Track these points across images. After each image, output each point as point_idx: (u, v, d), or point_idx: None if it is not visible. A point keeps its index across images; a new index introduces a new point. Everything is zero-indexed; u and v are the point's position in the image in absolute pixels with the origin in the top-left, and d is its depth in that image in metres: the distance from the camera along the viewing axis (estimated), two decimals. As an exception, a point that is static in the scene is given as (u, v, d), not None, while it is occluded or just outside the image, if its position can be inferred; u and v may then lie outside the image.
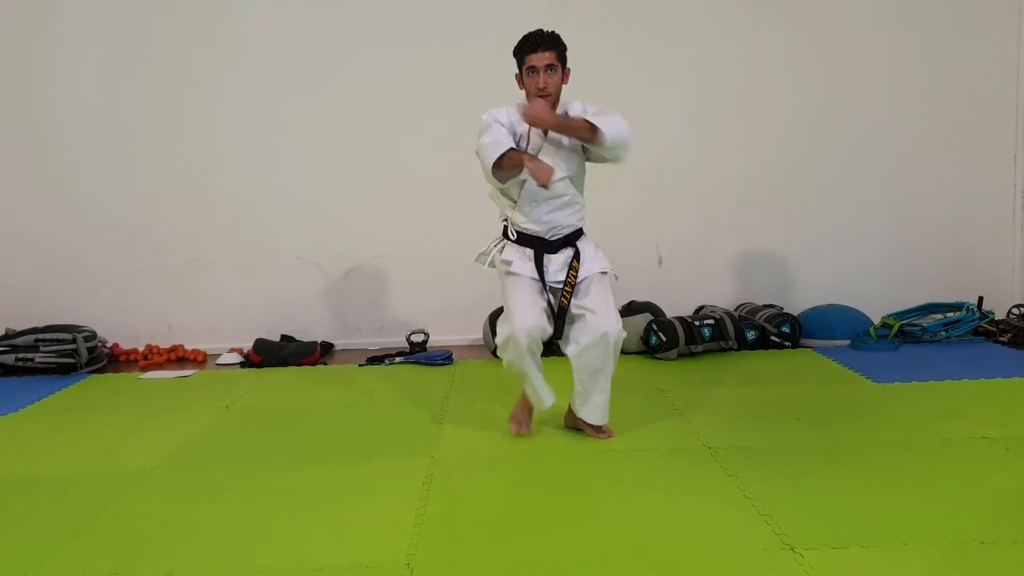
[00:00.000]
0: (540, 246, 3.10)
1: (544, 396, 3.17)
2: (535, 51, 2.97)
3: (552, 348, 3.24)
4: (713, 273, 5.23)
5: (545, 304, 3.07)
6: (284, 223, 5.12)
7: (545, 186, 2.89)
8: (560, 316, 3.08)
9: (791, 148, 5.18)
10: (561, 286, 3.08)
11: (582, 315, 3.07)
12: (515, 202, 3.10)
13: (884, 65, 5.13)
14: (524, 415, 3.28)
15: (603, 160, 3.10)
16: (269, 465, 3.05)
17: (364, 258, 5.16)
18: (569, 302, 3.07)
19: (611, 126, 2.95)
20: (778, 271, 5.24)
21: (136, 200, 5.07)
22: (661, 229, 5.20)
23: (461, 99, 4.63)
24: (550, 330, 3.06)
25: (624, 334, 3.14)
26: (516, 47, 3.04)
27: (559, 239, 3.11)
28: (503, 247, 3.16)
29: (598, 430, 3.20)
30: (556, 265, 3.10)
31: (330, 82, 5.03)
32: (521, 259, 3.10)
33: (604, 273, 3.14)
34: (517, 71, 3.08)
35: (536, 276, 3.07)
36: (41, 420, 3.77)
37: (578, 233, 3.17)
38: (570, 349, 3.12)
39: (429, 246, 5.08)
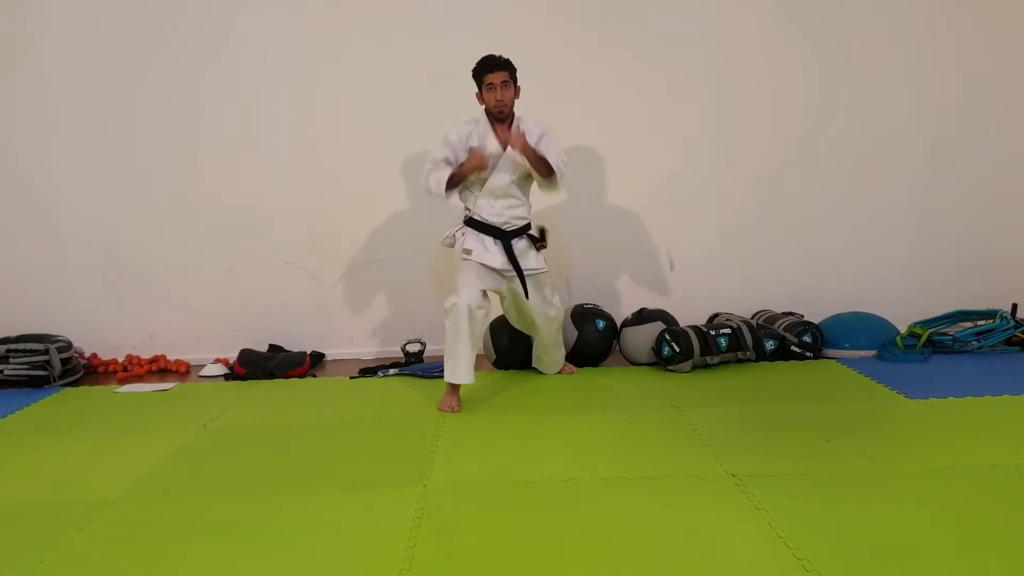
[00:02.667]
0: (498, 235, 3.72)
1: (460, 370, 3.59)
2: (492, 71, 3.59)
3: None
4: (728, 278, 4.92)
5: (492, 285, 3.70)
6: (273, 227, 4.83)
7: (483, 167, 3.61)
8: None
9: (810, 147, 4.87)
10: (534, 270, 3.78)
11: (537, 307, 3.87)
12: (476, 197, 3.73)
13: (908, 61, 4.81)
14: (453, 400, 3.67)
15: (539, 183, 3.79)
16: (244, 496, 2.74)
17: (357, 263, 4.86)
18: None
19: (561, 174, 3.67)
20: (797, 276, 4.93)
21: (115, 202, 4.77)
22: (672, 232, 4.90)
23: (458, 100, 4.43)
24: (486, 307, 3.66)
25: (562, 312, 4.06)
26: (474, 69, 3.63)
27: (513, 230, 3.75)
28: (464, 234, 3.75)
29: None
30: (519, 250, 3.75)
31: (322, 80, 4.73)
32: (478, 247, 3.69)
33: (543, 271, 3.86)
34: (477, 90, 3.66)
35: (489, 263, 3.67)
36: (1, 440, 3.47)
37: (527, 227, 3.82)
38: (539, 325, 3.96)
39: (425, 250, 4.79)
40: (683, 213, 4.89)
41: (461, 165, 3.68)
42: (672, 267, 4.91)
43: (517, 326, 4.12)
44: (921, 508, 2.46)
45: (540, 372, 4.25)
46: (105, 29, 4.66)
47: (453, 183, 3.69)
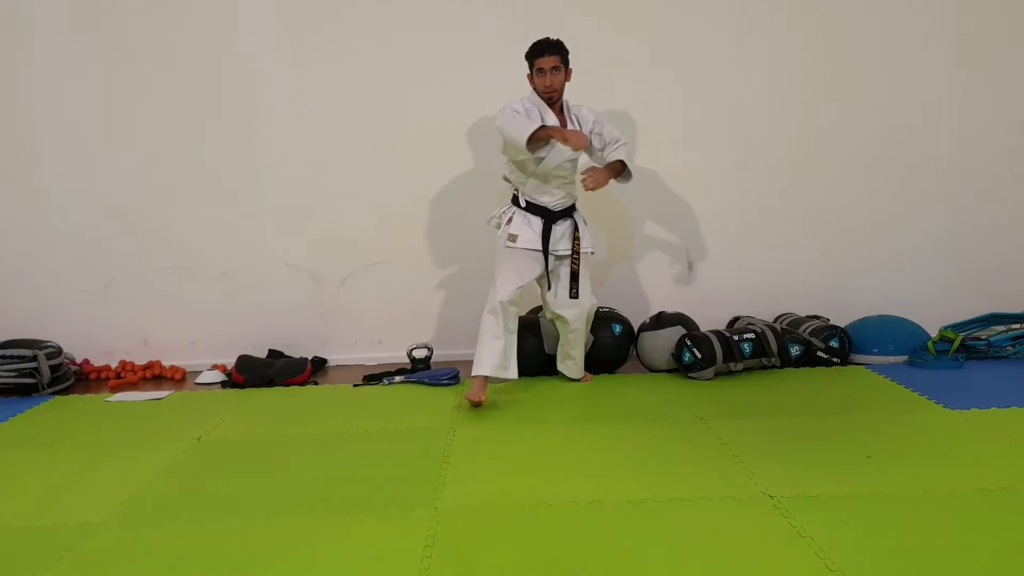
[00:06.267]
0: (546, 216, 3.70)
1: (486, 360, 3.61)
2: (542, 55, 3.57)
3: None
4: (748, 280, 4.69)
5: (531, 276, 3.71)
6: (273, 226, 4.60)
7: (579, 148, 3.49)
8: (574, 279, 3.75)
9: (836, 144, 4.63)
10: (563, 253, 3.75)
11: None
12: (527, 177, 3.68)
13: (939, 56, 4.58)
14: (480, 391, 3.60)
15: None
16: (238, 520, 2.53)
17: (361, 264, 4.64)
18: (579, 267, 3.74)
19: (631, 163, 3.75)
20: (819, 278, 4.70)
21: (108, 202, 4.55)
22: (691, 232, 4.67)
23: (463, 96, 4.42)
24: (519, 305, 3.70)
25: (596, 305, 3.94)
26: (527, 52, 3.60)
27: (561, 210, 3.74)
28: (511, 217, 3.73)
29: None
30: (557, 235, 3.73)
31: (323, 78, 4.49)
32: (525, 231, 3.69)
33: (589, 253, 3.83)
34: (528, 71, 3.63)
35: (536, 247, 3.69)
36: (-17, 455, 3.26)
37: (573, 207, 3.82)
38: (565, 313, 3.83)
39: (432, 252, 4.58)
40: (701, 212, 4.66)
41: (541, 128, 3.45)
42: (691, 268, 4.69)
43: (548, 316, 3.95)
44: (986, 536, 2.24)
45: (566, 377, 4.03)
46: (97, 29, 4.43)
47: (535, 139, 3.42)
